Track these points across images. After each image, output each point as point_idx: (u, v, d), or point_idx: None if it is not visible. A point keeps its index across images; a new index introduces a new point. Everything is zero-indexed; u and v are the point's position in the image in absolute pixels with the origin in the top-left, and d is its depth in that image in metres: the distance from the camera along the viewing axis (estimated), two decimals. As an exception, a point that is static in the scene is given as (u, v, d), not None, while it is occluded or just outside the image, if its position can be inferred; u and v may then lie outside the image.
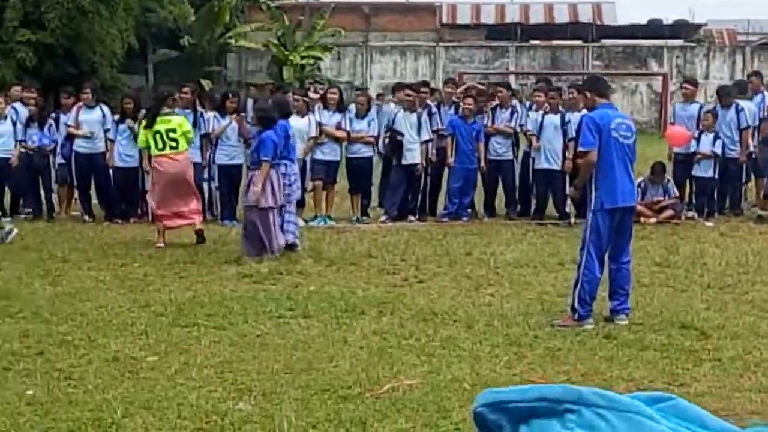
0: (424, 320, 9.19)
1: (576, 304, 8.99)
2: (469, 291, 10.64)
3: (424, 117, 16.17)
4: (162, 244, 13.22)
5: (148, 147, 13.59)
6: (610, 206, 9.00)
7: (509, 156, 16.58)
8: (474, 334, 8.67)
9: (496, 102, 17.00)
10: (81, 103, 16.31)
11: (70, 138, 16.21)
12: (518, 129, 16.57)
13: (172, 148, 13.35)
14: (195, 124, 15.29)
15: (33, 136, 16.16)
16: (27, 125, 16.21)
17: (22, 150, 16.09)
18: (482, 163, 16.36)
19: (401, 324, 9.02)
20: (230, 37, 43.86)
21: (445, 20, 48.51)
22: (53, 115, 16.72)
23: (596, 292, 9.09)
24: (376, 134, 16.54)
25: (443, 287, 10.84)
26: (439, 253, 13.07)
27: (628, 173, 9.19)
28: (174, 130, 13.38)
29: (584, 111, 15.88)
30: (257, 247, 12.31)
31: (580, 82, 15.40)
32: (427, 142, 16.14)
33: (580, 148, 9.43)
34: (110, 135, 15.96)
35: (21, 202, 16.84)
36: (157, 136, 13.30)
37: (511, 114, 16.58)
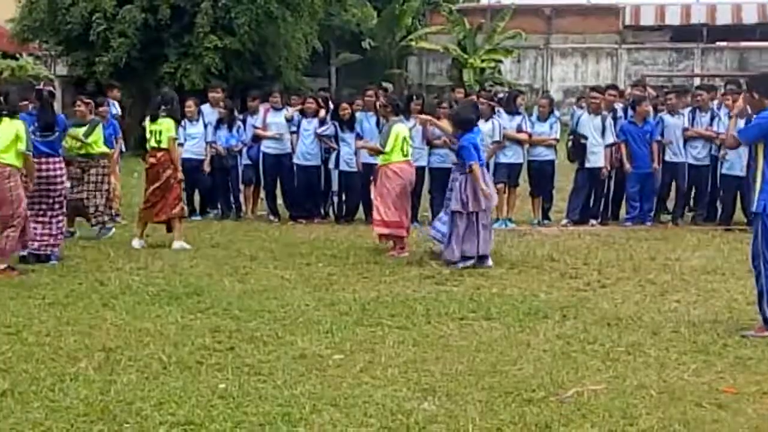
0: (608, 325, 9.07)
1: None
2: (654, 297, 10.45)
3: (609, 120, 15.98)
4: (402, 253, 12.91)
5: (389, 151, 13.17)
6: None
7: (707, 162, 16.16)
8: (660, 341, 8.51)
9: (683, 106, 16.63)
10: (269, 106, 16.71)
11: (257, 139, 16.63)
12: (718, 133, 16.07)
13: (408, 154, 13.36)
14: (378, 126, 15.51)
15: (222, 137, 16.63)
16: (216, 127, 16.68)
17: (212, 151, 16.57)
18: (655, 164, 16.04)
19: (585, 328, 8.93)
20: (411, 40, 44.21)
21: (628, 22, 47.70)
22: (241, 117, 17.16)
23: None
24: (557, 137, 16.45)
25: (627, 292, 10.67)
26: (622, 257, 12.88)
27: None
28: (411, 137, 13.47)
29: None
30: (453, 253, 12.17)
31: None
32: (611, 145, 15.93)
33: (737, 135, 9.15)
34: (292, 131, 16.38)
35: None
36: (404, 141, 13.15)
37: (711, 118, 16.16)
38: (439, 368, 7.56)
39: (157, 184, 13.40)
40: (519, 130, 16.09)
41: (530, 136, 16.15)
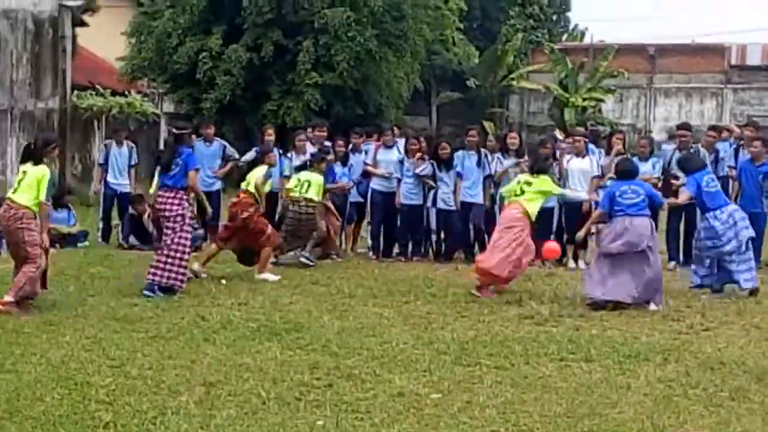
0: (711, 369, 8.91)
1: None
2: (759, 341, 10.23)
3: (704, 153, 15.73)
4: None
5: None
6: None
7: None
8: (765, 387, 8.32)
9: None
10: (380, 143, 16.88)
11: (366, 175, 16.78)
12: None
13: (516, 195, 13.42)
14: (479, 165, 15.61)
15: (336, 173, 16.67)
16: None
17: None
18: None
19: (687, 372, 8.78)
20: (512, 79, 44.20)
21: (734, 61, 46.98)
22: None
23: None
24: (660, 176, 16.21)
25: (731, 336, 10.47)
26: (726, 301, 12.63)
27: None
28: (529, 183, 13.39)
29: None
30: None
31: None
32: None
33: None
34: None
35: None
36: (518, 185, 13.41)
37: None
38: (537, 410, 7.51)
39: (235, 223, 14.02)
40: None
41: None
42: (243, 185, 14.26)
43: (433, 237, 16.56)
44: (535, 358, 9.23)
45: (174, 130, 13.36)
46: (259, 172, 14.20)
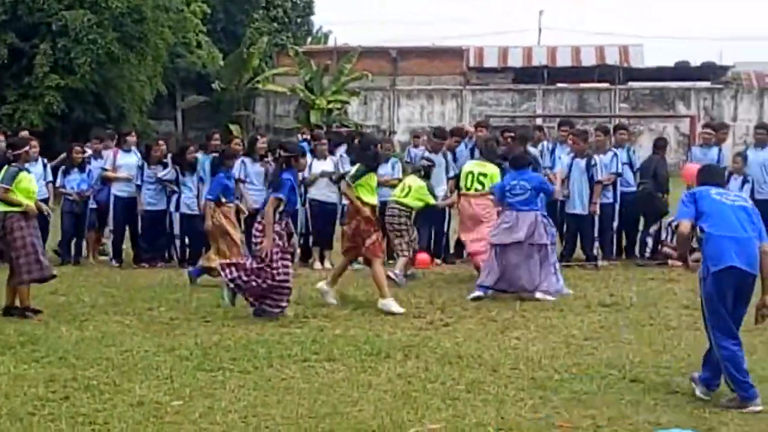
0: (450, 364, 9.15)
1: (735, 388, 7.84)
2: (495, 334, 10.58)
3: (449, 156, 16.23)
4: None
5: None
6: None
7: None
8: (499, 378, 8.62)
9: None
10: (117, 148, 16.52)
11: (105, 182, 16.35)
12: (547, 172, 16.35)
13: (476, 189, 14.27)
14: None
15: (73, 181, 16.18)
16: (66, 171, 16.28)
17: (68, 196, 16.29)
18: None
19: (426, 367, 8.99)
20: (258, 82, 44.21)
21: (472, 63, 48.64)
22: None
23: (744, 365, 7.92)
24: (400, 177, 16.53)
25: (469, 330, 10.79)
26: (465, 296, 12.99)
27: None
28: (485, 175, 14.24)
29: (610, 153, 15.99)
30: None
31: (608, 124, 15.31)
32: (452, 177, 16.04)
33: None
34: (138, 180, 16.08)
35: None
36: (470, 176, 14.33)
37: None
38: (279, 412, 7.51)
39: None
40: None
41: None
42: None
43: (177, 242, 16.29)
44: (279, 360, 9.23)
45: (282, 153, 11.92)
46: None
